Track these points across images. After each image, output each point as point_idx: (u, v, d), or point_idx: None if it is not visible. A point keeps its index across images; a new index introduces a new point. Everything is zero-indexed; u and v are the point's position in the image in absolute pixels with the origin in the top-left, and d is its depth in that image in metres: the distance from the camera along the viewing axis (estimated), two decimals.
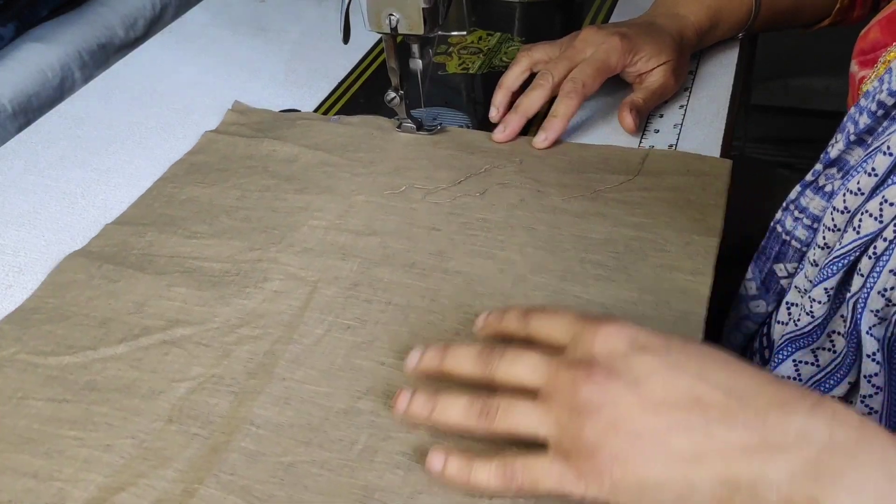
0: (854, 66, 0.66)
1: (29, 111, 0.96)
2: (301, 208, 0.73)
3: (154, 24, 1.14)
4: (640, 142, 0.80)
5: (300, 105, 0.89)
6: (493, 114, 0.82)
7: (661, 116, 0.84)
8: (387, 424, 0.54)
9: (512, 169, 0.76)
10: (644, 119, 0.82)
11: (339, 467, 0.52)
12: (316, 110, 0.89)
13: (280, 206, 0.73)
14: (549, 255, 0.66)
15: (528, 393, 0.48)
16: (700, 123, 0.82)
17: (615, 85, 0.84)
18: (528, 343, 0.52)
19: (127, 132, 0.87)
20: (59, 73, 1.01)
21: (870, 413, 0.57)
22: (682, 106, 0.85)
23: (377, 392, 0.56)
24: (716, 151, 0.78)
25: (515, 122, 0.79)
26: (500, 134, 0.80)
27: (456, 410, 0.49)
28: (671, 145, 0.79)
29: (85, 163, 0.82)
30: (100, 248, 0.70)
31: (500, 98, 0.83)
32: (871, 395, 0.56)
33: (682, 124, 0.82)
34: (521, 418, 0.48)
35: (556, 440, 0.46)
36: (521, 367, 0.49)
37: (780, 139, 1.98)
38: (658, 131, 0.81)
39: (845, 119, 0.60)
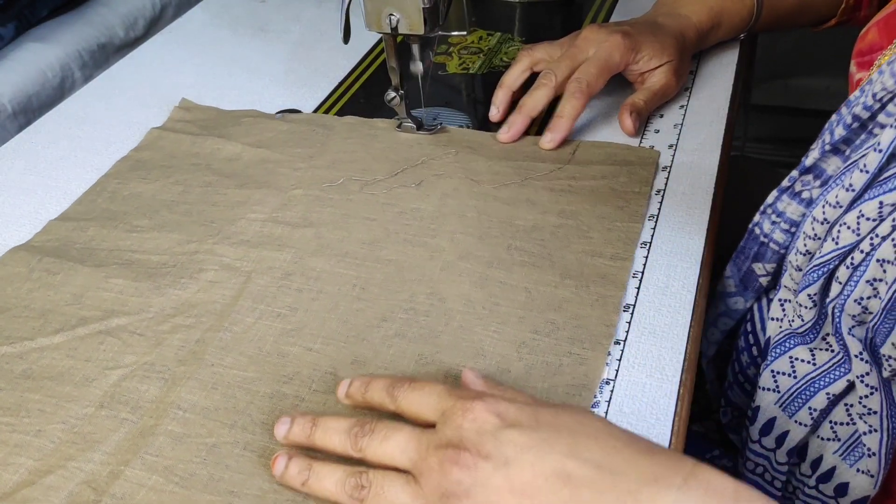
0: (853, 67, 0.68)
1: (29, 111, 0.96)
2: (240, 202, 0.75)
3: (154, 24, 1.15)
4: (640, 142, 0.80)
5: (300, 105, 0.89)
6: (494, 113, 0.82)
7: (662, 116, 0.84)
8: (309, 408, 0.56)
9: (448, 160, 0.78)
10: (644, 120, 0.82)
11: (260, 448, 0.54)
12: (316, 110, 0.89)
13: (220, 201, 0.75)
14: (478, 242, 0.68)
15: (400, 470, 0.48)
16: (700, 123, 0.82)
17: (617, 84, 0.84)
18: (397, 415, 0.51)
19: (127, 132, 0.86)
20: (59, 73, 1.01)
21: (869, 414, 0.57)
22: (682, 106, 0.85)
23: (302, 377, 0.58)
24: (716, 151, 0.78)
25: (520, 122, 0.79)
26: (504, 134, 0.79)
27: (330, 482, 0.49)
28: (671, 145, 0.79)
29: (85, 163, 0.82)
30: (41, 243, 0.72)
31: (500, 97, 0.83)
32: (867, 396, 0.57)
33: (682, 124, 0.83)
34: (392, 498, 0.47)
35: None
36: (390, 447, 0.48)
37: (780, 139, 1.98)
38: (658, 131, 0.82)
39: (825, 126, 0.62)
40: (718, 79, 0.89)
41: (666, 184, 0.74)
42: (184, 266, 0.68)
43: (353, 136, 0.82)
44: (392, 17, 0.73)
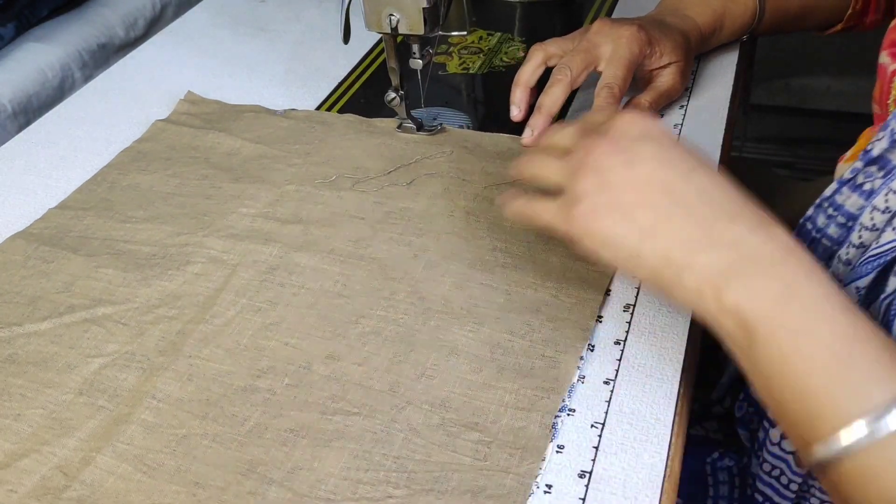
0: (885, 58, 0.66)
1: (29, 111, 0.97)
2: (234, 196, 0.76)
3: (154, 24, 1.16)
4: None
5: (300, 105, 0.90)
6: (515, 113, 0.80)
7: (662, 116, 0.83)
8: (280, 402, 0.57)
9: (441, 160, 0.78)
10: None
11: (228, 441, 0.55)
12: (316, 110, 0.89)
13: (214, 194, 0.76)
14: (463, 243, 0.68)
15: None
16: (700, 123, 0.82)
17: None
18: None
19: (127, 132, 0.87)
20: (59, 73, 1.02)
21: None
22: (682, 106, 0.85)
23: (276, 371, 0.59)
24: (716, 151, 0.78)
25: (541, 122, 0.77)
26: (528, 138, 0.77)
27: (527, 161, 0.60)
28: None
29: (85, 163, 0.83)
30: (39, 231, 0.73)
31: (519, 96, 0.80)
32: None
33: (682, 124, 0.82)
34: (547, 167, 0.58)
35: (562, 188, 0.56)
36: (561, 134, 0.60)
37: (780, 139, 1.97)
38: None
39: (890, 117, 0.59)
40: (718, 79, 0.88)
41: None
42: (172, 258, 0.69)
43: (351, 134, 0.82)
44: (392, 17, 0.73)
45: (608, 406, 0.56)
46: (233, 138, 0.83)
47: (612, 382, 0.57)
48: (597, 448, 0.53)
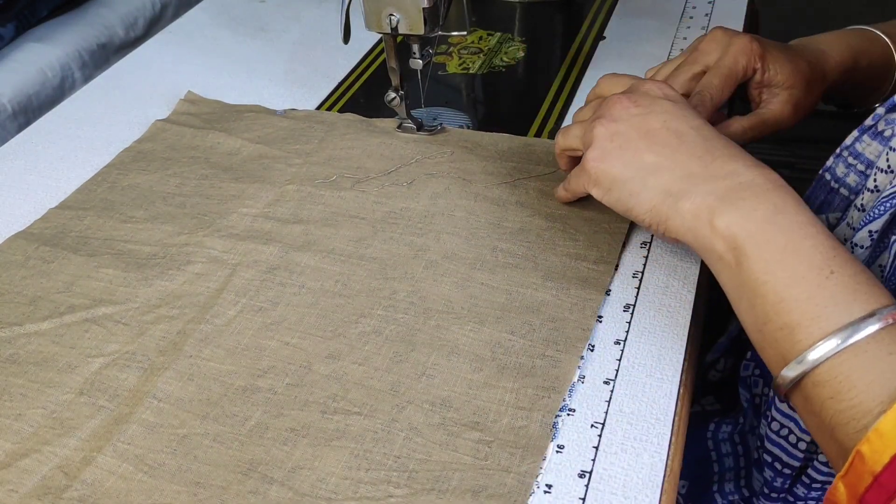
0: None
1: (29, 111, 0.97)
2: (234, 196, 0.76)
3: (154, 24, 1.16)
4: None
5: (300, 105, 0.90)
6: None
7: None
8: (281, 401, 0.57)
9: (442, 160, 0.78)
10: None
11: (229, 440, 0.55)
12: (316, 110, 0.89)
13: (214, 194, 0.76)
14: (464, 242, 0.68)
15: None
16: None
17: None
18: None
19: (127, 132, 0.87)
20: (59, 73, 1.02)
21: None
22: None
23: (277, 371, 0.59)
24: None
25: None
26: None
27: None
28: None
29: (85, 163, 0.83)
30: (40, 230, 0.73)
31: None
32: None
33: None
34: (573, 132, 0.66)
35: (583, 142, 0.63)
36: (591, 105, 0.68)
37: (780, 139, 1.95)
38: None
39: None
40: None
41: None
42: (173, 258, 0.69)
43: (351, 133, 0.82)
44: (392, 17, 0.73)
45: (608, 406, 0.56)
46: (233, 138, 0.83)
47: (612, 382, 0.57)
48: (597, 448, 0.53)
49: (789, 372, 0.50)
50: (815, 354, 0.49)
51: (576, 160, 0.68)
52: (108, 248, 0.71)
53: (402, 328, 0.61)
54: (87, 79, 1.04)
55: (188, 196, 0.76)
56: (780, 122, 0.75)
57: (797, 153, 1.93)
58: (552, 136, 0.83)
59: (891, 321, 0.48)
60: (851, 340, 0.48)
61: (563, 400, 0.56)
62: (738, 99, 0.77)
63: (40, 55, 1.01)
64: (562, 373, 0.57)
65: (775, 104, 0.74)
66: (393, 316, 0.62)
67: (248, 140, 0.83)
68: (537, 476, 0.52)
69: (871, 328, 0.48)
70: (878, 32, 0.80)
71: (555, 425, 0.55)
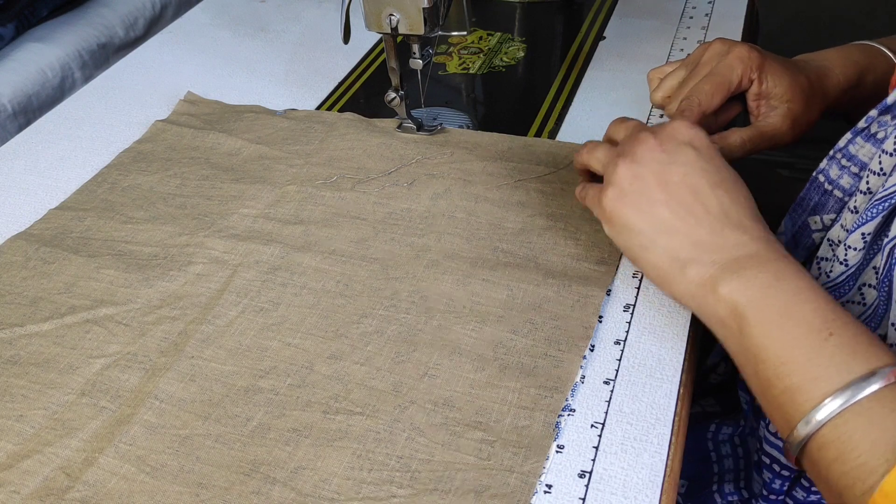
0: None
1: (29, 111, 0.98)
2: (235, 197, 0.76)
3: (154, 24, 1.16)
4: None
5: (300, 105, 0.90)
6: None
7: (662, 117, 0.83)
8: (283, 402, 0.57)
9: (442, 160, 0.78)
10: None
11: (232, 441, 0.55)
12: (317, 109, 0.89)
13: (215, 195, 0.76)
14: (465, 243, 0.69)
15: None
16: None
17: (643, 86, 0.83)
18: None
19: (127, 132, 0.87)
20: (59, 73, 1.02)
21: None
22: None
23: (279, 371, 0.59)
24: None
25: None
26: None
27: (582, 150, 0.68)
28: None
29: (85, 163, 0.83)
30: (40, 231, 0.73)
31: None
32: None
33: None
34: (595, 155, 0.66)
35: (604, 173, 0.63)
36: (619, 127, 0.67)
37: None
38: None
39: None
40: None
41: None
42: (174, 258, 0.69)
43: (351, 133, 0.82)
44: (392, 17, 0.73)
45: (608, 406, 0.56)
46: (233, 139, 0.83)
47: (612, 382, 0.57)
48: (597, 448, 0.54)
49: (795, 436, 0.50)
50: (818, 416, 0.49)
51: (591, 172, 0.68)
52: (109, 248, 0.71)
53: (404, 328, 0.62)
54: (87, 79, 1.04)
55: (189, 197, 0.76)
56: (778, 136, 0.75)
57: (797, 153, 1.92)
58: (552, 136, 0.83)
59: (893, 380, 0.48)
60: (854, 400, 0.48)
61: (566, 400, 0.56)
62: (746, 111, 0.77)
63: (40, 55, 1.01)
64: (564, 372, 0.57)
65: (774, 117, 0.74)
66: (395, 316, 0.62)
67: (249, 140, 0.83)
68: (540, 476, 0.52)
69: (873, 387, 0.48)
70: (883, 48, 0.79)
71: (557, 425, 0.55)
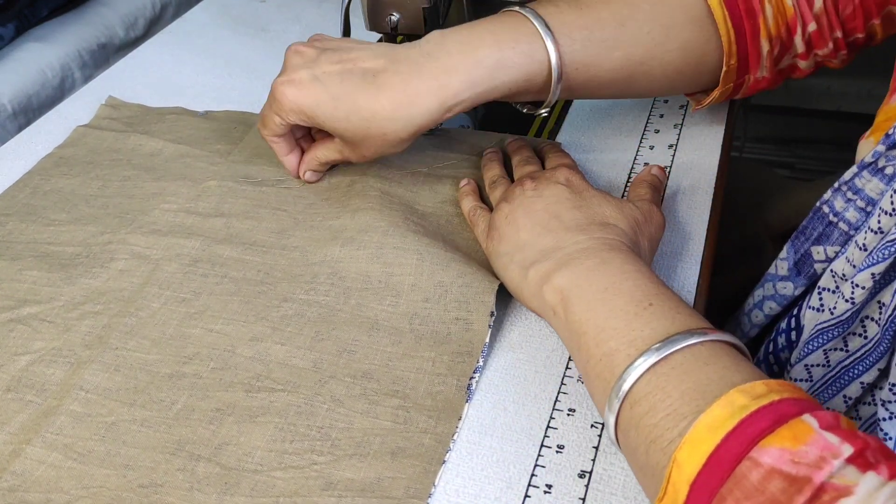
0: None
1: (29, 111, 0.97)
2: (155, 194, 0.77)
3: (154, 24, 1.15)
4: (640, 142, 0.80)
5: None
6: None
7: (661, 117, 0.84)
8: (206, 385, 0.59)
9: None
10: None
11: (157, 424, 0.57)
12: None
13: (137, 194, 0.77)
14: (377, 214, 0.70)
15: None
16: (700, 124, 0.82)
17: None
18: None
19: None
20: (59, 73, 1.01)
21: (893, 402, 0.57)
22: (681, 106, 0.84)
23: (202, 356, 0.61)
24: (716, 151, 0.78)
25: None
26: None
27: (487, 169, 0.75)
28: (671, 145, 0.79)
29: None
30: None
31: None
32: None
33: (682, 124, 0.82)
34: (495, 187, 0.71)
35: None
36: (523, 159, 0.73)
37: (780, 139, 1.95)
38: (658, 131, 0.82)
39: None
40: None
41: (666, 184, 0.74)
42: (96, 256, 0.70)
43: None
44: (392, 17, 0.74)
45: None
46: (155, 140, 0.84)
47: None
48: (597, 448, 0.54)
49: (612, 403, 0.49)
50: (633, 372, 0.48)
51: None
52: (32, 251, 0.72)
53: (324, 309, 0.64)
54: (87, 79, 1.03)
55: (111, 197, 0.77)
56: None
57: (797, 153, 1.86)
58: (552, 136, 0.83)
59: (709, 337, 0.48)
60: (668, 351, 0.48)
61: (477, 362, 0.59)
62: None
63: (40, 55, 1.00)
64: (475, 336, 0.60)
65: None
66: (315, 299, 0.65)
67: (170, 141, 0.84)
68: (453, 435, 0.55)
69: (689, 341, 0.48)
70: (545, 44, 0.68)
71: (469, 387, 0.57)
